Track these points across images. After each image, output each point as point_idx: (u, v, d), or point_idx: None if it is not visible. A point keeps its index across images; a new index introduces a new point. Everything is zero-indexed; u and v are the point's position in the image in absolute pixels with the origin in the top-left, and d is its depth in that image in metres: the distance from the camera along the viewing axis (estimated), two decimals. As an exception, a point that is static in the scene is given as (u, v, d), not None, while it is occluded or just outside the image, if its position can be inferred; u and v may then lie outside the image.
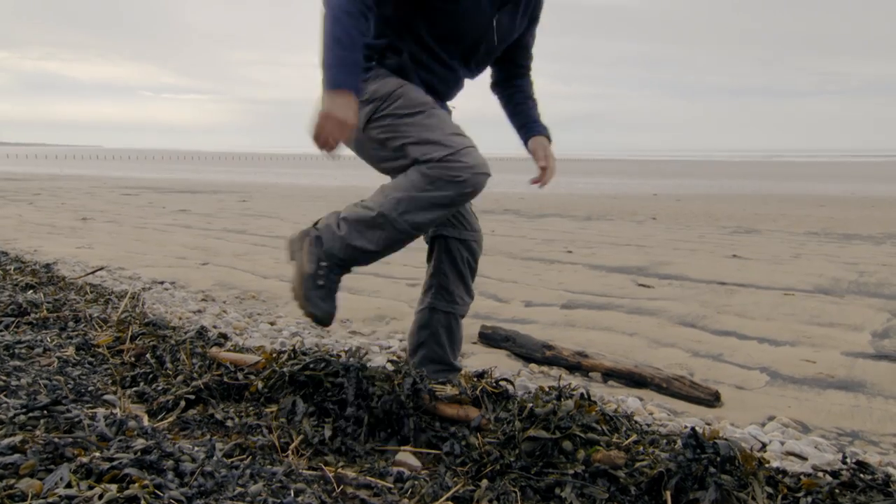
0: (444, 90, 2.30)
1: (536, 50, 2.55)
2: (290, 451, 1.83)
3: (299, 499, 1.43)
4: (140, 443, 1.46)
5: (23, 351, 2.37)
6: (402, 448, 1.95)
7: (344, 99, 1.88)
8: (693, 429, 1.70)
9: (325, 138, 1.90)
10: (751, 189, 22.62)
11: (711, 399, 2.99)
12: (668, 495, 1.59)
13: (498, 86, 2.61)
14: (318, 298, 2.10)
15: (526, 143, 2.53)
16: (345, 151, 2.06)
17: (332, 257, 2.09)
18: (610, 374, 3.26)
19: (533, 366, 3.41)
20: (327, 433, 1.90)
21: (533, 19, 2.43)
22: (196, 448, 1.60)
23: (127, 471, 1.34)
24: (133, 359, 2.45)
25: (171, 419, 1.98)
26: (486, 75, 2.57)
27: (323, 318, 2.14)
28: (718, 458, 1.64)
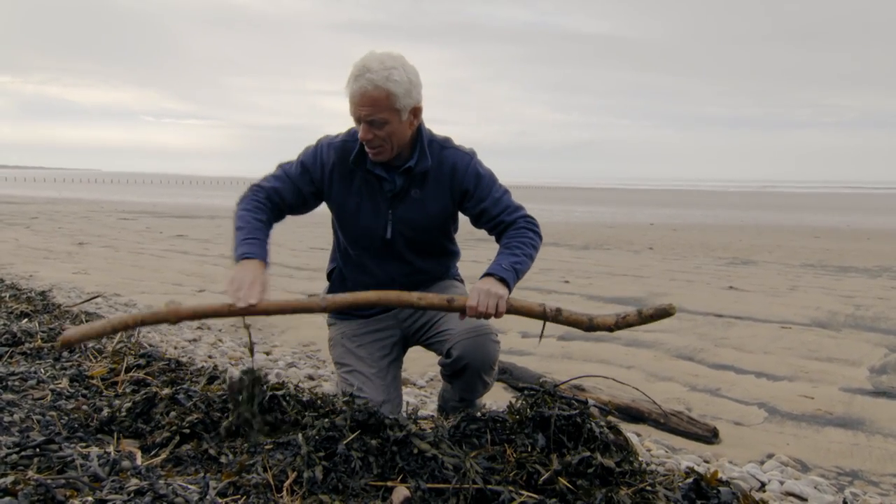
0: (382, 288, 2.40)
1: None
2: (284, 490, 1.80)
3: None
4: (133, 483, 1.44)
5: (16, 383, 2.35)
6: (399, 484, 1.92)
7: (247, 265, 2.12)
8: (696, 480, 1.68)
9: (239, 296, 2.02)
10: (746, 220, 22.74)
11: (709, 436, 2.97)
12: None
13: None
14: None
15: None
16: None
17: None
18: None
19: (530, 400, 3.38)
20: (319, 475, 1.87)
21: (464, 196, 2.37)
22: (190, 487, 1.58)
23: (119, 513, 1.32)
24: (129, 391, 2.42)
25: (164, 455, 1.95)
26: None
27: None
28: None
